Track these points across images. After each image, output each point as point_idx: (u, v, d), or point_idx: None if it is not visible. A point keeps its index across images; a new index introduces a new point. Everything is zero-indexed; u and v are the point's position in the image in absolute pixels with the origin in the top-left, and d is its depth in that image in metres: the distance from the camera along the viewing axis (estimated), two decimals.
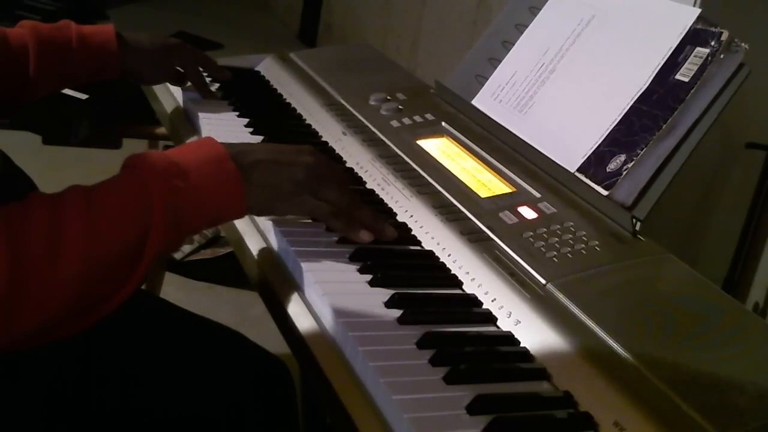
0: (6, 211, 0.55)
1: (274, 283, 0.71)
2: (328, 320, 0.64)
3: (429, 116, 1.02)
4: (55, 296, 0.55)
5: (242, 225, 0.81)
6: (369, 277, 0.70)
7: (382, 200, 0.85)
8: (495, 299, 0.69)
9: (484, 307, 0.69)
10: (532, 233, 0.76)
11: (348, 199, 0.75)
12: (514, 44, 1.03)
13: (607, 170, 0.83)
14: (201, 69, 1.11)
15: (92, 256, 0.57)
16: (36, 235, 0.54)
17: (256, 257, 0.75)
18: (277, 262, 0.74)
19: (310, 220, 0.77)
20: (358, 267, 0.71)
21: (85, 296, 0.58)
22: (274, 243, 0.76)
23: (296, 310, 0.67)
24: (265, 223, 0.78)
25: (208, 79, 1.13)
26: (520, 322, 0.66)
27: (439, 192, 0.85)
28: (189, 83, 1.11)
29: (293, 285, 0.70)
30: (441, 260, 0.75)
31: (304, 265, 0.69)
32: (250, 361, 0.82)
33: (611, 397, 0.56)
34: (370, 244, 0.74)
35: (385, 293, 0.67)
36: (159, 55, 1.04)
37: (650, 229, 0.78)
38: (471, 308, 0.69)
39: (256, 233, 0.79)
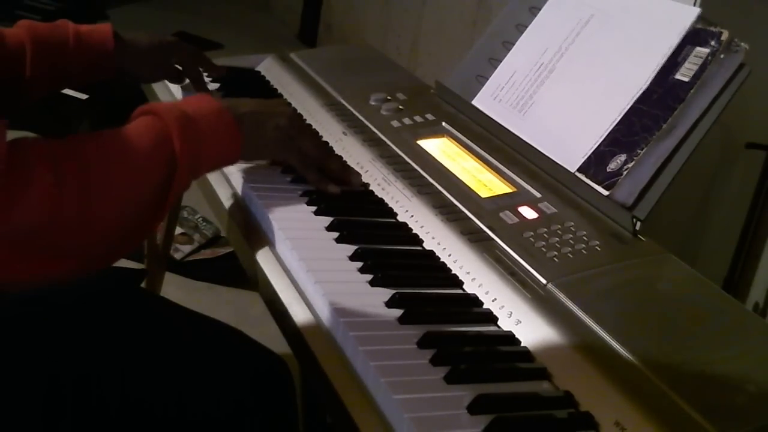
0: (51, 145, 0.62)
1: (274, 283, 0.71)
2: (328, 320, 0.64)
3: (429, 116, 1.02)
4: (92, 233, 0.63)
5: (243, 224, 0.81)
6: (369, 276, 0.70)
7: (382, 200, 0.85)
8: (495, 299, 0.69)
9: (484, 306, 0.69)
10: (532, 233, 0.76)
11: (318, 151, 0.87)
12: (514, 44, 1.03)
13: (608, 170, 0.83)
14: (199, 67, 1.11)
15: (130, 188, 0.66)
16: (82, 165, 0.62)
17: (256, 257, 0.75)
18: (277, 263, 0.74)
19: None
20: (358, 267, 0.71)
21: (125, 224, 0.66)
22: (276, 243, 0.76)
23: (297, 310, 0.67)
24: (266, 222, 0.78)
25: (207, 79, 1.13)
26: (520, 321, 0.66)
27: (440, 192, 0.85)
28: (187, 81, 1.11)
29: (294, 284, 0.70)
30: (441, 260, 0.75)
31: (305, 265, 0.69)
32: (250, 359, 0.82)
33: (612, 396, 0.56)
34: (371, 244, 0.74)
35: (386, 293, 0.67)
36: (156, 53, 1.04)
37: (650, 229, 0.78)
38: (471, 308, 0.69)
39: (258, 232, 0.79)
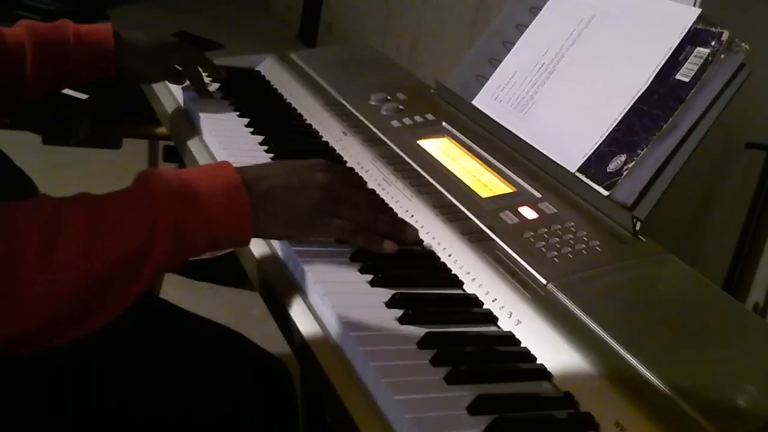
0: (8, 207, 0.55)
1: (274, 283, 0.71)
2: (329, 320, 0.64)
3: (429, 116, 1.02)
4: (49, 298, 0.55)
5: None
6: (370, 277, 0.70)
7: (382, 200, 0.85)
8: (496, 299, 0.69)
9: (484, 307, 0.69)
10: (532, 233, 0.76)
11: (365, 212, 0.74)
12: (514, 44, 1.03)
13: (608, 170, 0.83)
14: (199, 68, 1.11)
15: (89, 264, 0.56)
16: (34, 234, 0.54)
17: (256, 257, 0.75)
18: (278, 263, 0.74)
19: None
20: (359, 267, 0.71)
21: (80, 303, 0.57)
22: (275, 243, 0.76)
23: (297, 310, 0.67)
24: None
25: (207, 79, 1.13)
26: (520, 322, 0.66)
27: (440, 192, 0.85)
28: (187, 82, 1.11)
29: (294, 285, 0.70)
30: (442, 260, 0.75)
31: (306, 266, 0.69)
32: (250, 362, 0.82)
33: (612, 397, 0.56)
34: None
35: (386, 293, 0.67)
36: (157, 53, 1.04)
37: (650, 229, 0.78)
38: (472, 308, 0.69)
39: None
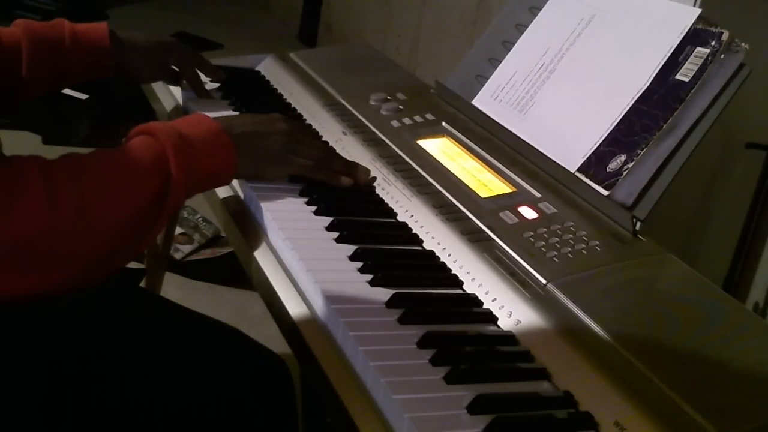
0: (45, 161, 0.63)
1: (274, 282, 0.71)
2: (328, 320, 0.64)
3: (429, 116, 1.02)
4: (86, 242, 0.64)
5: (243, 224, 0.81)
6: (369, 276, 0.70)
7: (382, 200, 0.85)
8: (495, 299, 0.69)
9: (484, 306, 0.69)
10: (532, 233, 0.76)
11: (323, 152, 0.88)
12: (514, 44, 1.03)
13: (608, 170, 0.83)
14: (196, 68, 1.11)
15: (124, 204, 0.67)
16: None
17: (256, 257, 0.75)
18: (278, 262, 0.74)
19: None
20: (358, 267, 0.71)
21: (120, 237, 0.67)
22: (275, 243, 0.76)
23: (296, 310, 0.67)
24: (266, 222, 0.78)
25: (206, 80, 1.13)
26: (520, 321, 0.66)
27: (440, 192, 0.85)
28: (185, 82, 1.11)
29: (293, 284, 0.70)
30: (441, 260, 0.75)
31: (305, 265, 0.69)
32: (250, 359, 0.82)
33: (612, 396, 0.56)
34: (371, 244, 0.74)
35: (386, 293, 0.67)
36: (154, 53, 1.04)
37: (650, 229, 0.78)
38: (471, 308, 0.69)
39: (257, 232, 0.79)
